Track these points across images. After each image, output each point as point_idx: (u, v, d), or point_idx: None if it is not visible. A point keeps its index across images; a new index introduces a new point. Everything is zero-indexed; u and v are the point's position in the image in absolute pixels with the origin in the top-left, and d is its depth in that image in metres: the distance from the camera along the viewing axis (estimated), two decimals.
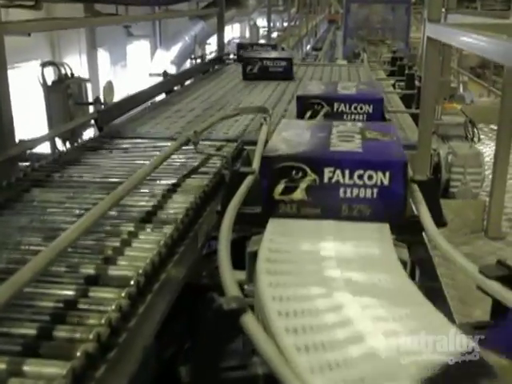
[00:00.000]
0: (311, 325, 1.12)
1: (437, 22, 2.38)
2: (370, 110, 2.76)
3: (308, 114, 2.79)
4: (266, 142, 2.58)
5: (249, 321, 1.07)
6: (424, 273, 2.35)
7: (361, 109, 2.78)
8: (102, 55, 11.84)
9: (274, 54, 5.57)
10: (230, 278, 1.22)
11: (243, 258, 1.81)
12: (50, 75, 4.92)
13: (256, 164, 2.10)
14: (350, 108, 2.78)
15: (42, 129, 4.90)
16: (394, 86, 4.98)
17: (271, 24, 15.39)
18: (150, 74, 5.22)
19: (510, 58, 1.46)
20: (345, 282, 1.33)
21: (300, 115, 2.85)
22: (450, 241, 2.76)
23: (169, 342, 2.33)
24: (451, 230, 2.78)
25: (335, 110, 2.79)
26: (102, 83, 11.05)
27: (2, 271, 1.50)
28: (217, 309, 1.10)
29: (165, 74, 4.72)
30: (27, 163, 2.44)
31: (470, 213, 2.83)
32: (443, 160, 3.04)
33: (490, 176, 3.21)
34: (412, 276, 2.31)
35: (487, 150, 4.79)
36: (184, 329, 2.47)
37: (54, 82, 4.64)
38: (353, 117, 2.79)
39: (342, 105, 2.79)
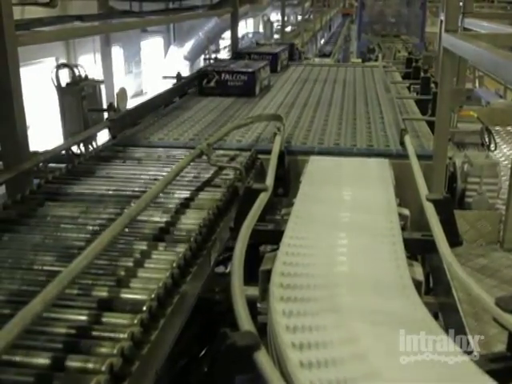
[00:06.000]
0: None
1: (454, 32, 2.34)
2: None
3: None
4: (281, 153, 2.57)
5: (262, 358, 1.06)
6: (438, 284, 2.34)
7: None
8: (117, 52, 11.88)
9: None
10: (243, 310, 1.20)
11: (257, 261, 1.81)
12: (64, 76, 4.94)
13: (270, 180, 2.09)
14: None
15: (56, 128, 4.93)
16: (409, 88, 4.93)
17: (285, 18, 15.30)
18: (164, 77, 5.20)
19: None
20: None
21: None
22: (465, 252, 2.75)
23: (182, 352, 2.34)
24: (467, 241, 2.75)
25: None
26: (117, 80, 11.12)
27: (15, 293, 1.51)
28: (230, 345, 1.09)
29: (178, 76, 4.71)
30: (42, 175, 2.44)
31: (486, 224, 2.80)
32: (459, 169, 3.01)
33: (507, 182, 3.16)
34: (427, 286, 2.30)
35: (504, 152, 4.72)
36: (197, 338, 2.48)
37: (68, 84, 4.65)
38: None
39: None
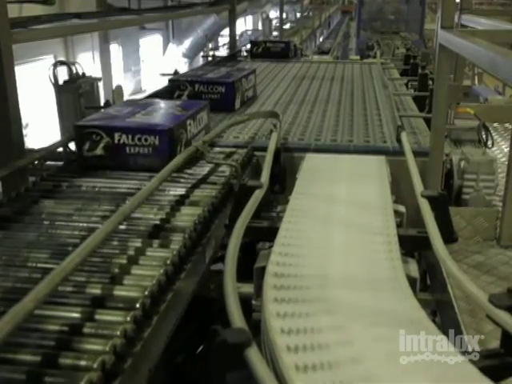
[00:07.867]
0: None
1: (450, 28, 2.33)
2: None
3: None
4: (277, 150, 2.57)
5: (253, 355, 1.06)
6: (434, 281, 2.33)
7: None
8: (115, 49, 11.87)
9: None
10: (235, 307, 1.20)
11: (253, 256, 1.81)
12: (63, 73, 4.93)
13: (265, 177, 2.08)
14: None
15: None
16: (406, 85, 4.92)
17: (284, 15, 15.30)
18: (162, 74, 5.18)
19: None
20: None
21: None
22: (462, 249, 2.74)
23: (178, 349, 2.34)
24: (463, 237, 2.75)
25: None
26: (115, 78, 11.10)
27: (9, 291, 1.50)
28: (221, 341, 1.08)
29: (176, 73, 4.70)
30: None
31: (483, 220, 2.80)
32: (456, 166, 3.01)
33: (504, 179, 3.16)
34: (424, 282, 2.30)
35: (502, 148, 4.73)
36: (193, 335, 2.47)
37: (65, 82, 4.65)
38: None
39: None
